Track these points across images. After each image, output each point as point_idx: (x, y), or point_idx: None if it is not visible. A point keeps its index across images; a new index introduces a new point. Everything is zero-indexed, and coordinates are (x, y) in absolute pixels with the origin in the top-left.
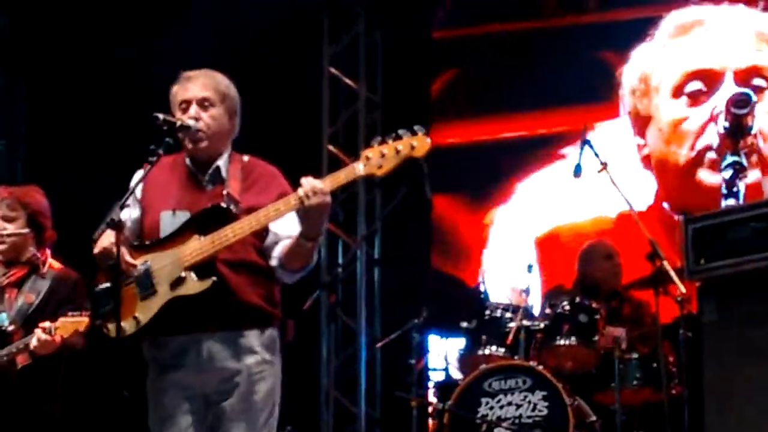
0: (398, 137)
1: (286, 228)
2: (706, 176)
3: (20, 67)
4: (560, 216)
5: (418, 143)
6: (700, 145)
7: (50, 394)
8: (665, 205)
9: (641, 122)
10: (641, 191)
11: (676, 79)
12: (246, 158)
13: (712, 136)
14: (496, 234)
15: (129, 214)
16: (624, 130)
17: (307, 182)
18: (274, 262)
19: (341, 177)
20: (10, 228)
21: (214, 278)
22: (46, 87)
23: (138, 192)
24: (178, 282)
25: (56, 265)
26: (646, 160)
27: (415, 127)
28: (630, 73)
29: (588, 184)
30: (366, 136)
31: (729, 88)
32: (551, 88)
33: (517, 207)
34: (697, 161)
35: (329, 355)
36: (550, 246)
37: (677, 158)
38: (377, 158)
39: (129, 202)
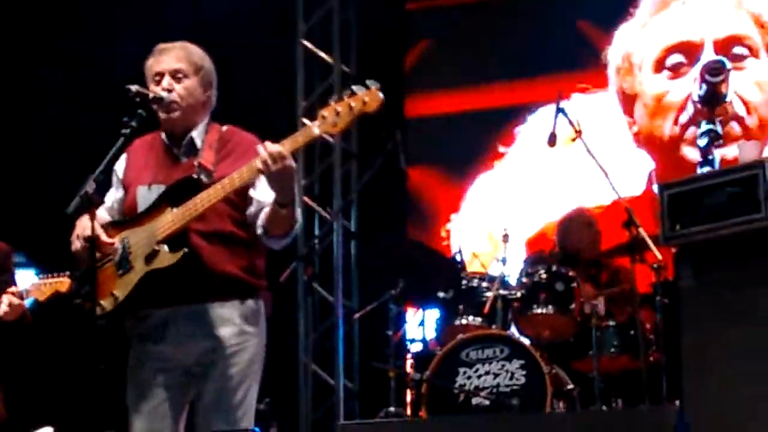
0: (353, 93)
1: (267, 195)
2: (689, 152)
3: None
4: (548, 214)
5: (369, 98)
6: (683, 119)
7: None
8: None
9: (628, 100)
10: (635, 174)
11: (656, 53)
12: (225, 128)
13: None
14: (472, 201)
15: (114, 195)
16: (613, 108)
17: (266, 148)
18: (259, 230)
19: (299, 139)
20: None
21: (185, 250)
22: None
23: (120, 172)
24: (152, 256)
25: None
26: (637, 138)
27: (368, 82)
28: (614, 53)
29: (576, 175)
30: None
31: (709, 59)
32: (526, 58)
33: (498, 176)
34: (681, 136)
35: (307, 329)
36: (539, 245)
37: (662, 133)
38: (332, 116)
39: (114, 183)
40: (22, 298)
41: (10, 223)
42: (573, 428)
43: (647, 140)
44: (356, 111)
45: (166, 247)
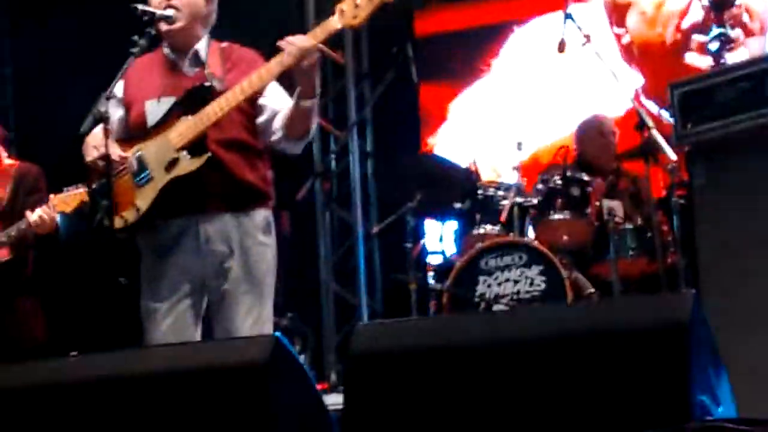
0: None
1: (278, 100)
2: (694, 59)
3: None
4: (541, 136)
5: None
6: (685, 24)
7: (28, 287)
8: (648, 102)
9: (620, 10)
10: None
11: None
12: (224, 44)
13: (697, 14)
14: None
15: (114, 115)
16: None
17: (291, 43)
18: (277, 134)
19: (318, 34)
20: None
21: (209, 154)
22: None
23: (119, 92)
24: (172, 164)
25: (13, 162)
26: (627, 50)
27: None
28: None
29: (577, 84)
30: (353, 35)
31: None
32: None
33: (494, 83)
34: (684, 43)
35: (326, 249)
36: (532, 169)
37: (663, 40)
38: (351, 9)
39: (111, 104)
40: (51, 209)
41: (28, 147)
42: (589, 317)
43: (642, 50)
44: (376, 2)
45: (186, 153)
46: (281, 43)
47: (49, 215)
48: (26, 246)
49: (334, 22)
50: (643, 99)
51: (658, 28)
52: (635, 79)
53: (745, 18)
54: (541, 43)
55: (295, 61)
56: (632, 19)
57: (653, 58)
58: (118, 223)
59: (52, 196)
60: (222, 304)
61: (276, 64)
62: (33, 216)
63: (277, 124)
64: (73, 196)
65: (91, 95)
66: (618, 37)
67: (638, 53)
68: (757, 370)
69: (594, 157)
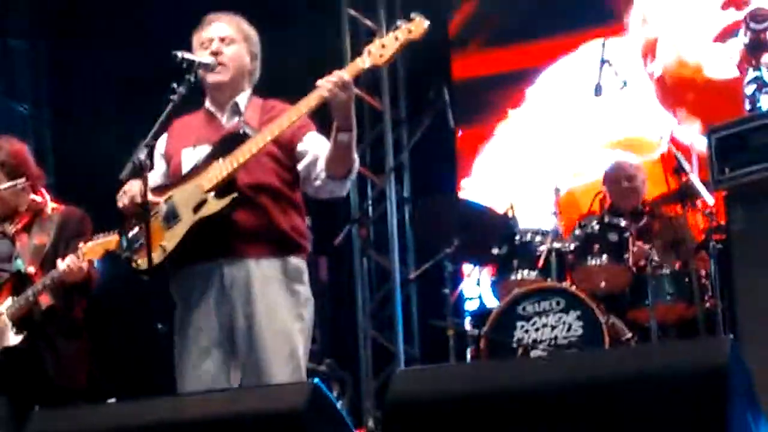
0: (397, 27)
1: (319, 146)
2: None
3: (42, 31)
4: (577, 174)
5: (414, 26)
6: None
7: (73, 332)
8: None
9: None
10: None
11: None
12: (268, 100)
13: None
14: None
15: (157, 171)
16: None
17: (329, 80)
18: (322, 176)
19: (348, 71)
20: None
21: (235, 194)
22: (68, 50)
23: (162, 147)
24: (200, 205)
25: (58, 206)
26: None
27: (412, 14)
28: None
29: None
30: (389, 73)
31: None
32: (571, 12)
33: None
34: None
35: (364, 295)
36: (567, 207)
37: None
38: (378, 49)
39: (155, 161)
40: (79, 258)
41: (67, 191)
42: (628, 362)
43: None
44: (402, 39)
45: (213, 194)
46: (318, 82)
47: (76, 264)
48: (67, 292)
49: (361, 62)
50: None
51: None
52: (669, 120)
53: None
54: (572, 81)
55: (330, 95)
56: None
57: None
58: (143, 264)
59: (81, 244)
60: (254, 348)
61: (305, 103)
62: (62, 264)
63: (320, 167)
64: (101, 244)
65: (130, 139)
66: (650, 75)
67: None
68: None
69: (619, 202)
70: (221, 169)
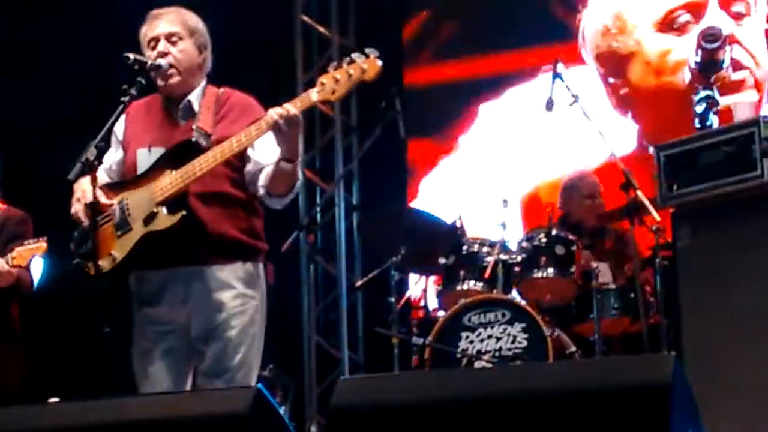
0: (352, 61)
1: (266, 155)
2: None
3: None
4: (540, 173)
5: (368, 66)
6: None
7: (6, 334)
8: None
9: (619, 60)
10: (619, 137)
11: (659, 15)
12: (221, 90)
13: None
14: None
15: (113, 156)
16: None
17: (275, 110)
18: (261, 191)
19: (297, 104)
20: None
21: (183, 212)
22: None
23: (120, 133)
24: (150, 217)
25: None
26: (624, 99)
27: (367, 50)
28: (597, 15)
29: (565, 136)
30: None
31: (714, 15)
32: (523, 28)
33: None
34: (690, 92)
35: (310, 301)
36: (532, 205)
37: (675, 86)
38: (331, 83)
39: (113, 144)
40: (7, 263)
41: (15, 192)
42: (572, 376)
43: (646, 98)
44: (355, 78)
45: (164, 210)
46: (269, 111)
47: (3, 269)
48: (2, 292)
49: (313, 95)
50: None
51: (666, 77)
52: (630, 127)
53: (750, 63)
54: (528, 102)
55: (275, 127)
56: (636, 68)
57: (660, 104)
58: (92, 270)
59: (13, 250)
60: (204, 356)
61: (257, 128)
62: None
63: (261, 180)
64: (29, 250)
65: (81, 141)
66: (615, 87)
67: (640, 101)
68: None
69: (578, 217)
70: (173, 182)
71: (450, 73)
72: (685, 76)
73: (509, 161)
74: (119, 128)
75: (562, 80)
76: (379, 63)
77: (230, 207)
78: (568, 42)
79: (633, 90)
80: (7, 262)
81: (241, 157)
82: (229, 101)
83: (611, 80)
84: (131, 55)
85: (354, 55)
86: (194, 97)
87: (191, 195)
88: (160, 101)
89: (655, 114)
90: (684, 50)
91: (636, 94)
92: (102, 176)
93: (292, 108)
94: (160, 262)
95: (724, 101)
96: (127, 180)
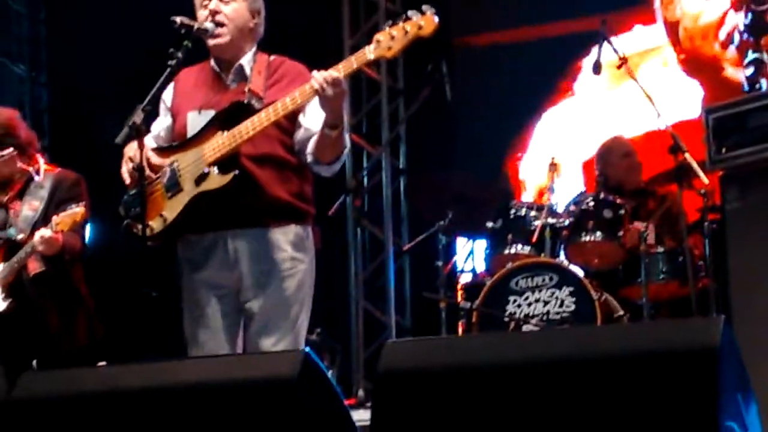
0: (408, 18)
1: (316, 122)
2: (732, 72)
3: None
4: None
5: (425, 22)
6: (722, 35)
7: (69, 296)
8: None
9: (672, 28)
10: (689, 101)
11: None
12: (272, 57)
13: (731, 25)
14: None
15: (162, 123)
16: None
17: (320, 74)
18: (309, 158)
19: (353, 62)
20: None
21: (236, 171)
22: (65, 11)
23: (168, 100)
24: (201, 178)
25: (53, 169)
26: (685, 65)
27: (424, 7)
28: None
29: (633, 100)
30: None
31: None
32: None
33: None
34: (722, 55)
35: (357, 266)
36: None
37: (706, 53)
38: (387, 41)
39: (161, 111)
40: (52, 230)
41: (62, 154)
42: (620, 340)
43: (694, 65)
44: (411, 35)
45: (216, 170)
46: (313, 74)
47: (48, 236)
48: (57, 258)
49: (369, 53)
50: None
51: (699, 41)
52: (697, 92)
53: None
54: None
55: (319, 91)
56: (682, 36)
57: (702, 71)
58: (142, 232)
59: (54, 216)
60: (254, 318)
61: (302, 92)
62: (36, 236)
63: (309, 147)
64: (69, 215)
65: (128, 104)
66: (678, 52)
67: (691, 67)
68: None
69: (619, 178)
70: (224, 142)
71: (499, 37)
72: (707, 47)
73: (570, 128)
74: (168, 95)
75: (610, 42)
76: (436, 19)
77: (282, 170)
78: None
79: (686, 56)
80: (51, 229)
81: (293, 122)
82: (281, 68)
83: (675, 47)
84: (178, 19)
85: (410, 12)
86: (246, 62)
87: (243, 156)
88: (210, 66)
89: (704, 80)
90: (712, 13)
91: (687, 60)
92: (150, 143)
93: (335, 72)
94: (210, 224)
95: None
96: (177, 143)
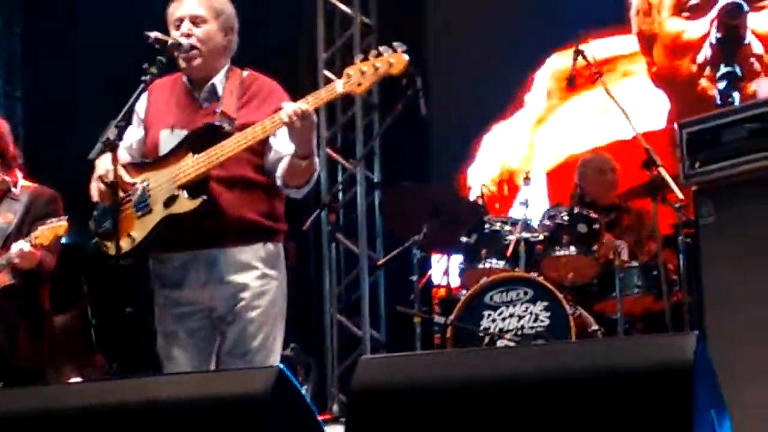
0: (379, 54)
1: (286, 146)
2: (707, 85)
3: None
4: (572, 145)
5: (395, 60)
6: (700, 58)
7: (34, 313)
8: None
9: (647, 41)
10: (655, 112)
11: None
12: (245, 73)
13: (708, 49)
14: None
15: (134, 134)
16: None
17: (289, 106)
18: (278, 181)
19: (322, 96)
20: None
21: (204, 197)
22: (41, 27)
23: (141, 112)
24: (171, 200)
25: (29, 185)
26: (655, 78)
27: (395, 44)
28: None
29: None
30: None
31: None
32: (552, 13)
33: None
34: (699, 75)
35: (332, 280)
36: (560, 177)
37: (682, 71)
38: (357, 76)
39: (134, 122)
40: (31, 243)
41: (37, 170)
42: (595, 355)
43: (666, 80)
44: (381, 72)
45: (185, 193)
46: (282, 104)
47: (26, 250)
48: (28, 274)
49: (339, 86)
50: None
51: (677, 61)
52: (663, 104)
53: (760, 49)
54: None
55: (288, 123)
56: (657, 51)
57: (675, 87)
58: (112, 250)
59: (37, 229)
60: (226, 337)
61: (272, 122)
62: (14, 248)
63: (279, 170)
64: (50, 229)
65: (102, 119)
66: (648, 65)
67: (663, 82)
68: (762, 414)
69: (593, 194)
70: (195, 165)
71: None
72: (684, 66)
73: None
74: (141, 106)
75: (584, 56)
76: (406, 58)
77: (251, 191)
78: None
79: (658, 69)
80: (30, 242)
81: (263, 143)
82: (252, 86)
83: (646, 58)
84: (152, 34)
85: (381, 48)
86: (218, 81)
87: (212, 179)
88: (182, 82)
89: (673, 95)
90: (694, 33)
91: (659, 74)
92: (123, 154)
93: (304, 105)
94: (180, 245)
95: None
96: (149, 160)
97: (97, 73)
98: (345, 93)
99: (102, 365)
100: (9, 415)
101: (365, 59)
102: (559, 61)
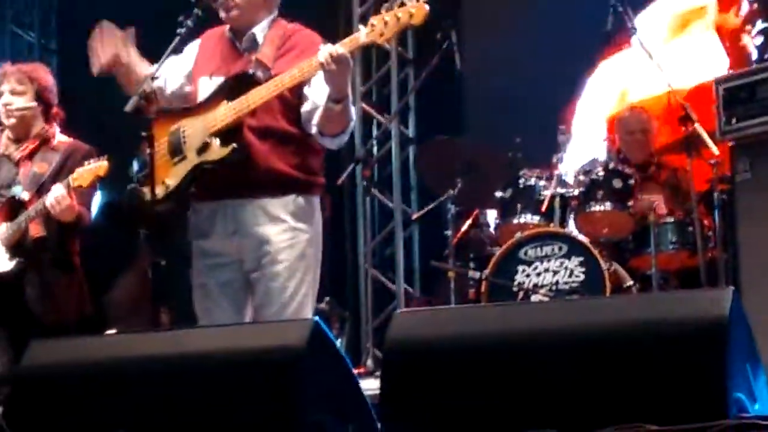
0: (402, 4)
1: (321, 95)
2: (748, 41)
3: None
4: (632, 93)
5: (416, 11)
6: (743, 11)
7: (64, 265)
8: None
9: None
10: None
11: None
12: (290, 25)
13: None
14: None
15: (180, 66)
16: None
17: (326, 48)
18: (314, 130)
19: (347, 44)
20: (19, 102)
21: (234, 145)
22: None
23: (190, 63)
24: (204, 147)
25: (67, 140)
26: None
27: None
28: None
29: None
30: None
31: None
32: None
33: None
34: (742, 29)
35: (366, 234)
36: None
37: (728, 24)
38: (380, 26)
39: (185, 56)
40: (67, 188)
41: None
42: (629, 310)
43: (719, 32)
44: (402, 23)
45: (217, 141)
46: (320, 47)
47: (63, 198)
48: (60, 225)
49: (362, 36)
50: None
51: (724, 12)
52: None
53: None
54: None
55: (325, 66)
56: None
57: (724, 39)
58: (148, 196)
59: (70, 176)
60: (256, 290)
61: (308, 65)
62: (49, 197)
63: (314, 120)
64: (90, 171)
65: None
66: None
67: (718, 34)
68: None
69: (626, 152)
70: (227, 113)
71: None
72: (744, 9)
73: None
74: (191, 57)
75: (619, 12)
76: (426, 8)
77: (284, 143)
78: None
79: (715, 22)
80: (68, 184)
81: (298, 95)
82: (293, 38)
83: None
84: None
85: None
86: (259, 30)
87: (246, 128)
88: (227, 31)
89: (725, 48)
90: None
91: (716, 26)
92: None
93: (340, 47)
94: (211, 193)
95: None
96: (187, 107)
97: (135, 27)
98: (368, 42)
99: (166, 323)
100: (46, 367)
101: (390, 9)
102: None
